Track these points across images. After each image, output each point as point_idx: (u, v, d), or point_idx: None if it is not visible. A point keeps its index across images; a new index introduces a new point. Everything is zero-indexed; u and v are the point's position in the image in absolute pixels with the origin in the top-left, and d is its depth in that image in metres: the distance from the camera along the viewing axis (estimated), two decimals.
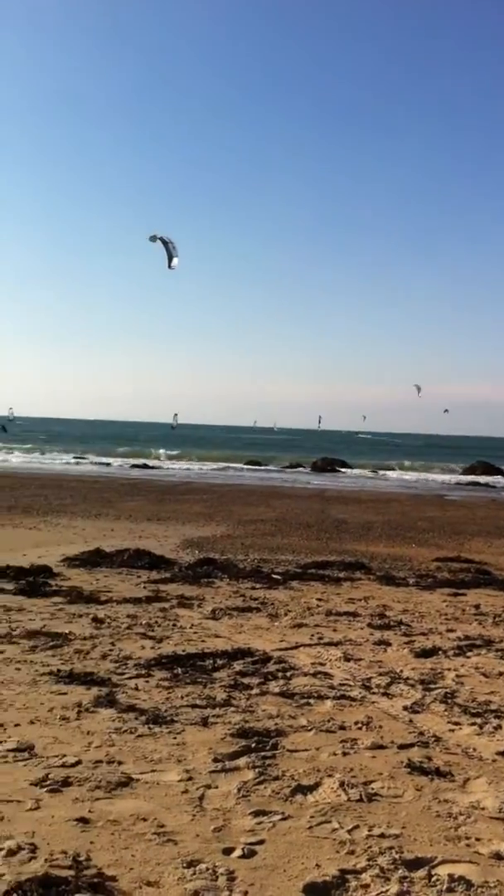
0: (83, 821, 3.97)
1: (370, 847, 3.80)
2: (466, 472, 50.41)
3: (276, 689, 6.24)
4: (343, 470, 50.58)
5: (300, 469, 51.07)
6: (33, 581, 10.15)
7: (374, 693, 6.29)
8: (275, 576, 11.56)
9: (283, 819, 4.09)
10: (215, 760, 4.80)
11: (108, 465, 48.11)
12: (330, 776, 4.61)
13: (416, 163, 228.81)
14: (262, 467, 52.06)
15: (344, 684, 6.47)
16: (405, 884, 3.48)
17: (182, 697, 5.98)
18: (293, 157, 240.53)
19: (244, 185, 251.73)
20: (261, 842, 3.84)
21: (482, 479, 45.57)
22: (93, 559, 12.06)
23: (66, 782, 4.41)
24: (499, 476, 47.98)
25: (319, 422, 70.48)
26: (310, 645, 7.73)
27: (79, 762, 4.69)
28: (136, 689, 6.16)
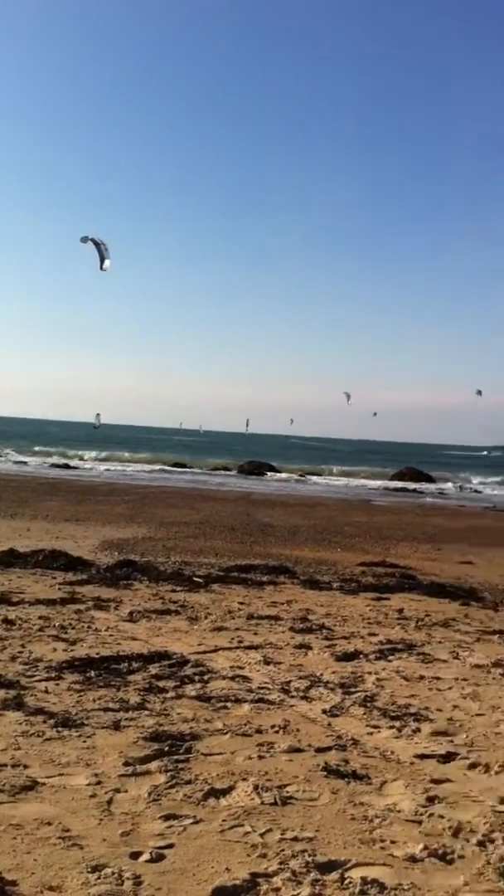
0: None
1: (283, 850, 3.69)
2: (395, 477, 50.79)
3: (193, 693, 6.10)
4: (270, 474, 50.59)
5: (227, 472, 50.92)
6: None
7: (293, 696, 6.19)
8: (196, 578, 11.41)
9: (195, 823, 3.96)
10: (126, 764, 4.64)
11: (26, 463, 47.03)
12: (244, 780, 4.49)
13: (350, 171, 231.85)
14: (188, 469, 51.73)
15: (263, 688, 6.36)
16: (317, 887, 3.38)
17: (94, 700, 5.80)
18: (225, 163, 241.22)
19: (179, 189, 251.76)
20: (170, 846, 3.71)
21: (411, 485, 46.10)
22: (6, 559, 11.69)
23: None
24: (427, 482, 48.70)
25: (247, 425, 70.24)
26: (229, 648, 7.61)
27: None
28: (46, 691, 5.95)
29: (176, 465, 53.74)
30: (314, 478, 50.79)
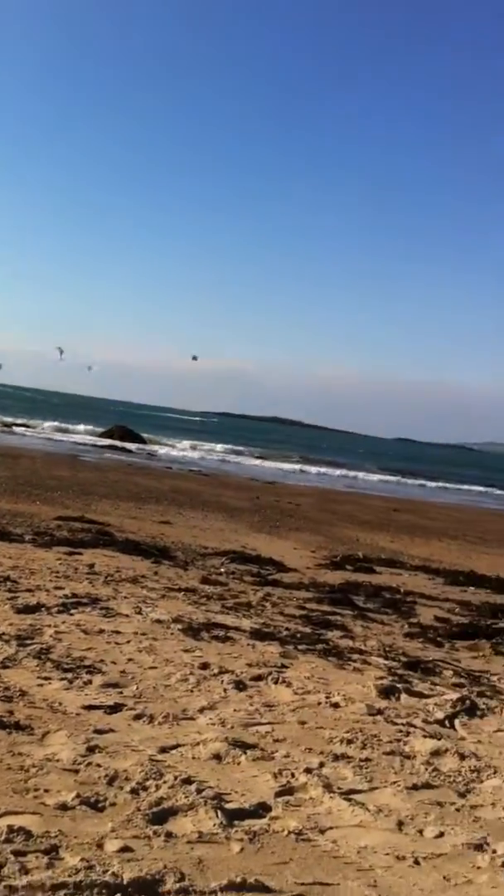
0: None
1: None
2: (105, 435, 50.69)
3: None
4: None
5: None
6: None
7: None
8: None
9: None
10: None
11: None
12: None
13: None
14: None
15: None
16: None
17: None
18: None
19: None
20: None
21: (119, 443, 46.22)
22: None
23: None
24: (138, 443, 49.10)
25: None
26: None
27: None
28: None
29: None
30: (21, 429, 49.47)
